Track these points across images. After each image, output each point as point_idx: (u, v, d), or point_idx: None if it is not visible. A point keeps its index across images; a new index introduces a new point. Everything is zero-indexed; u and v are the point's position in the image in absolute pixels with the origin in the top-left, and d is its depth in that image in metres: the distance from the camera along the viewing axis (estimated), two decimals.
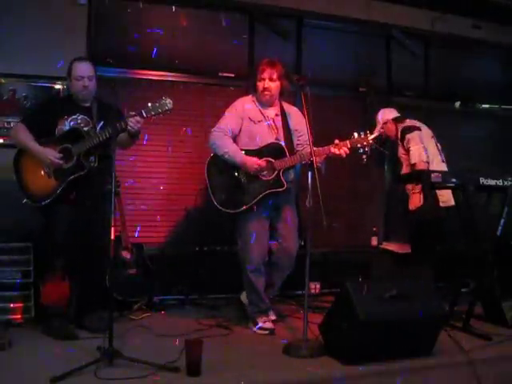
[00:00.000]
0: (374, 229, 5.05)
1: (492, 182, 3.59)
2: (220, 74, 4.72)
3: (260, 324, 3.48)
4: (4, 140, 3.97)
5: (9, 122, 3.99)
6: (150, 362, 2.66)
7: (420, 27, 5.27)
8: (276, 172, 3.43)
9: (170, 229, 4.57)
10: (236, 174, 3.47)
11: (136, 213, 4.38)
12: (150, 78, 4.48)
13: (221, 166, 3.50)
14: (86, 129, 3.37)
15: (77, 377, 2.50)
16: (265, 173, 3.44)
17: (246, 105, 3.58)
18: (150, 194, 4.50)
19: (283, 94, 3.63)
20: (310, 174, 3.10)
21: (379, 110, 4.64)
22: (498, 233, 3.69)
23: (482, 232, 3.63)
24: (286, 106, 3.66)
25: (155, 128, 4.38)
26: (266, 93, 3.51)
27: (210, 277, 4.38)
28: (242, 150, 3.48)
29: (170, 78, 4.55)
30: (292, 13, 4.91)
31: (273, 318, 3.61)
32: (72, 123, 3.38)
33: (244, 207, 3.42)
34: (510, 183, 3.63)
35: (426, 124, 4.54)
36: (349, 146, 3.33)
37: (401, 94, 5.30)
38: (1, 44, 3.93)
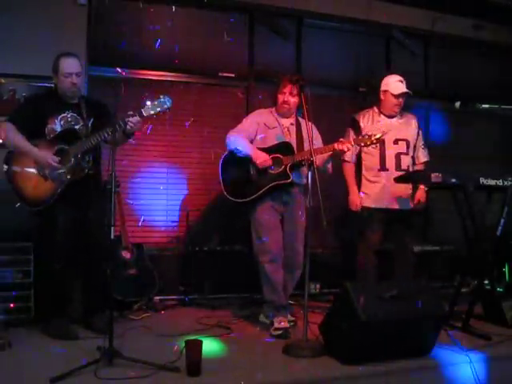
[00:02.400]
0: None
1: (492, 182, 3.59)
2: (220, 74, 4.72)
3: (276, 325, 3.45)
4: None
5: None
6: (150, 362, 2.67)
7: (420, 27, 5.27)
8: (283, 166, 3.53)
9: (169, 229, 4.57)
10: (247, 168, 3.58)
11: (136, 213, 4.38)
12: (149, 78, 4.48)
13: (234, 162, 3.62)
14: (77, 127, 3.31)
15: (77, 377, 2.50)
16: (273, 167, 3.54)
17: (263, 113, 3.75)
18: (149, 194, 4.50)
19: (300, 109, 3.62)
20: (309, 174, 3.11)
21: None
22: (498, 233, 3.69)
23: (482, 232, 3.63)
24: (301, 120, 3.69)
25: (155, 128, 4.38)
26: (284, 105, 3.65)
27: (210, 277, 4.39)
28: None
29: (169, 78, 4.55)
30: (292, 13, 4.91)
31: (291, 318, 3.63)
32: (62, 122, 3.29)
33: (252, 197, 3.52)
34: (510, 183, 3.63)
35: None
36: (353, 144, 3.48)
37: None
38: (1, 44, 3.93)
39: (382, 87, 4.00)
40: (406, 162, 3.90)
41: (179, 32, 4.57)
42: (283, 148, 3.58)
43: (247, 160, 3.56)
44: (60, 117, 3.30)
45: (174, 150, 4.58)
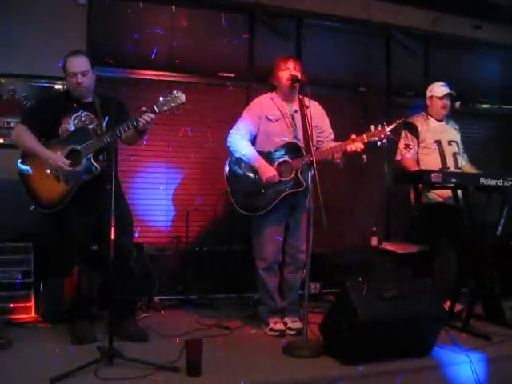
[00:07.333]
0: (374, 229, 5.04)
1: (492, 182, 3.58)
2: (220, 74, 4.72)
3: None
4: (4, 140, 3.98)
5: (9, 122, 4.00)
6: (150, 362, 2.66)
7: (420, 27, 5.28)
8: (294, 172, 3.37)
9: (170, 229, 4.57)
10: (255, 175, 3.42)
11: (136, 213, 4.37)
12: (150, 78, 4.48)
13: (239, 167, 3.46)
14: (91, 126, 3.20)
15: (77, 377, 2.50)
16: (283, 173, 3.39)
17: (263, 103, 3.51)
18: (150, 194, 4.50)
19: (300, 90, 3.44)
20: (310, 174, 3.10)
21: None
22: (498, 233, 3.69)
23: (482, 232, 3.63)
24: (305, 100, 3.43)
25: (155, 128, 4.35)
26: (289, 82, 3.37)
27: (210, 277, 4.39)
28: (258, 151, 3.43)
29: (169, 78, 4.54)
30: (292, 13, 4.91)
31: (298, 325, 3.41)
32: (76, 121, 3.19)
33: (265, 209, 3.37)
34: (510, 183, 3.63)
35: None
36: (366, 140, 3.26)
37: (401, 94, 5.30)
38: (1, 44, 3.93)
39: (428, 94, 4.18)
40: (460, 161, 4.09)
41: (179, 32, 4.57)
42: (290, 150, 3.39)
43: (254, 167, 3.41)
44: (74, 116, 3.20)
45: (174, 150, 4.58)
